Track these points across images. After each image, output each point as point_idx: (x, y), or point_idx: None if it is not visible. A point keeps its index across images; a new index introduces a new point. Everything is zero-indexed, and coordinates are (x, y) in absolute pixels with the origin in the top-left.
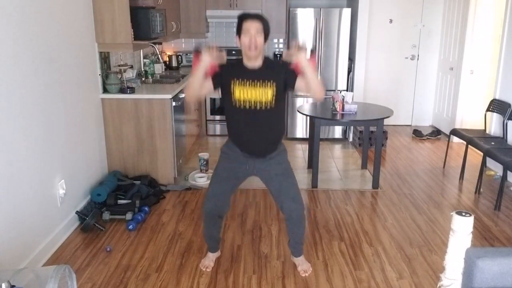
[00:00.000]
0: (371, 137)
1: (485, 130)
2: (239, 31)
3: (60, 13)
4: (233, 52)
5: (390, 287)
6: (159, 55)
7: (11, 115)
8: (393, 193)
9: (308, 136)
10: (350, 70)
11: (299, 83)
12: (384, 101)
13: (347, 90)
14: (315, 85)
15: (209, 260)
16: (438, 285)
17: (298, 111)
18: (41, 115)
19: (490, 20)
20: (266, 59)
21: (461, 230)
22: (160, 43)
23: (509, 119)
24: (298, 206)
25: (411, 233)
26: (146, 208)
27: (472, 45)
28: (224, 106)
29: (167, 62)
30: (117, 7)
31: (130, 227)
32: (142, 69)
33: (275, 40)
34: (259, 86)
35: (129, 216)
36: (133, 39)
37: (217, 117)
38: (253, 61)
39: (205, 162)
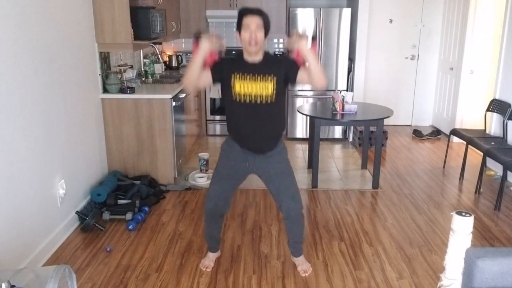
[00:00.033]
0: (371, 137)
1: (485, 130)
2: (239, 27)
3: (60, 13)
4: (233, 52)
5: (390, 287)
6: (159, 55)
7: (11, 115)
8: (393, 193)
9: (308, 136)
10: (350, 70)
11: (301, 75)
12: (384, 101)
13: (347, 90)
14: (317, 72)
15: (209, 260)
16: (438, 285)
17: (298, 111)
18: (41, 115)
19: (490, 20)
20: (266, 54)
21: (461, 230)
22: (160, 43)
23: (509, 119)
24: (297, 205)
25: (411, 233)
26: (146, 208)
27: (472, 45)
28: (224, 101)
29: (167, 62)
30: (117, 7)
31: (130, 227)
32: (142, 69)
33: (275, 40)
34: (260, 80)
35: (129, 216)
36: (133, 39)
37: (217, 117)
38: (254, 56)
39: (205, 162)
